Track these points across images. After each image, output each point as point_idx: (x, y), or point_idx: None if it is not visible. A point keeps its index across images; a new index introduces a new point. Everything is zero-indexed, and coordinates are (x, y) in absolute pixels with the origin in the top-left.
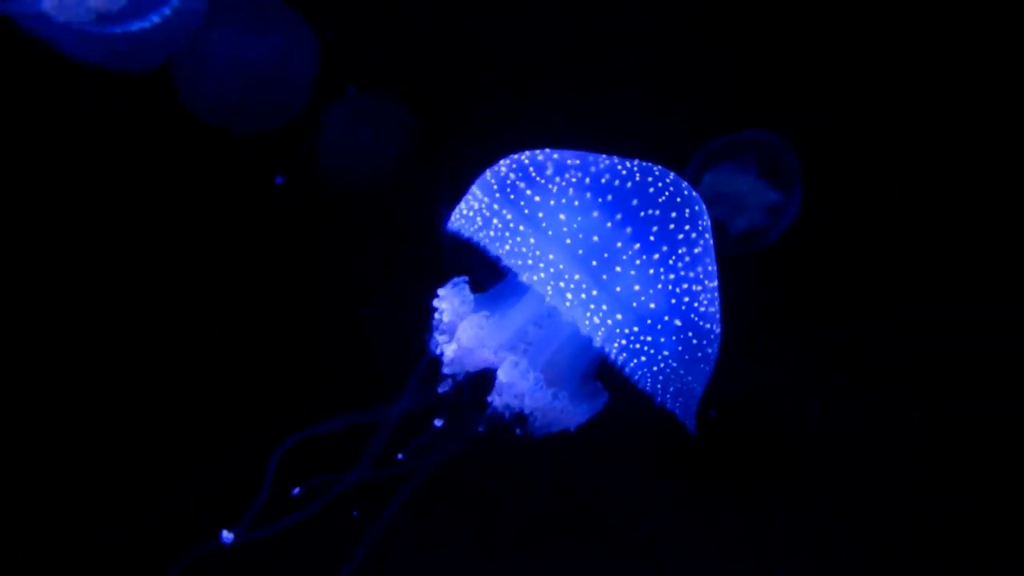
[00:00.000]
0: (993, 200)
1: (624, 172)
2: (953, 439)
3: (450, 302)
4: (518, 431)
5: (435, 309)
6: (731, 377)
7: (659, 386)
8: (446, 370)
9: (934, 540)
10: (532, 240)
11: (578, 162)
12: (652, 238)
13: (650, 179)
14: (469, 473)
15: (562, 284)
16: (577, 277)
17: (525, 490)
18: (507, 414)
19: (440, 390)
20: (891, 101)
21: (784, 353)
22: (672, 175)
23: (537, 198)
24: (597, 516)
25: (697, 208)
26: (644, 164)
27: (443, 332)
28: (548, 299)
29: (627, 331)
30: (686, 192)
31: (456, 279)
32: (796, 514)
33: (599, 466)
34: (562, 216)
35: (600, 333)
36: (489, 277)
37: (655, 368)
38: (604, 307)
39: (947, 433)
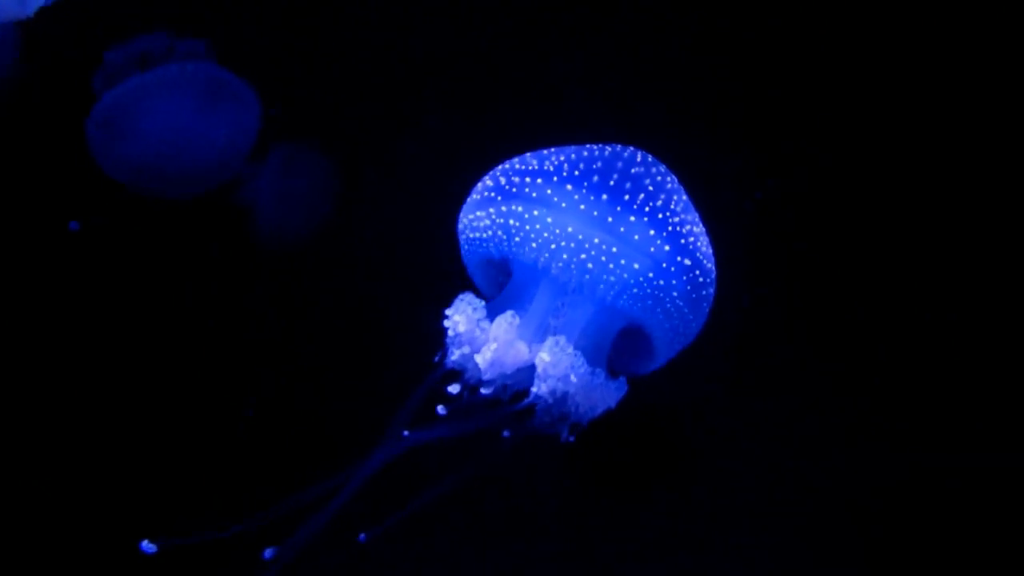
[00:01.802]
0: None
1: (595, 149)
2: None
3: (464, 314)
4: (564, 419)
5: (447, 326)
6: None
7: (669, 331)
8: (487, 374)
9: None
10: (550, 219)
11: (552, 151)
12: (651, 187)
13: (618, 149)
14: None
15: (584, 252)
16: (597, 240)
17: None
18: (552, 399)
19: (482, 392)
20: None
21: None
22: (627, 146)
23: (540, 180)
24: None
25: (665, 167)
26: (599, 144)
27: (462, 344)
28: (572, 272)
29: (647, 277)
30: (649, 156)
31: (461, 295)
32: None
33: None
34: (569, 187)
35: (624, 289)
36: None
37: (671, 312)
38: (624, 260)
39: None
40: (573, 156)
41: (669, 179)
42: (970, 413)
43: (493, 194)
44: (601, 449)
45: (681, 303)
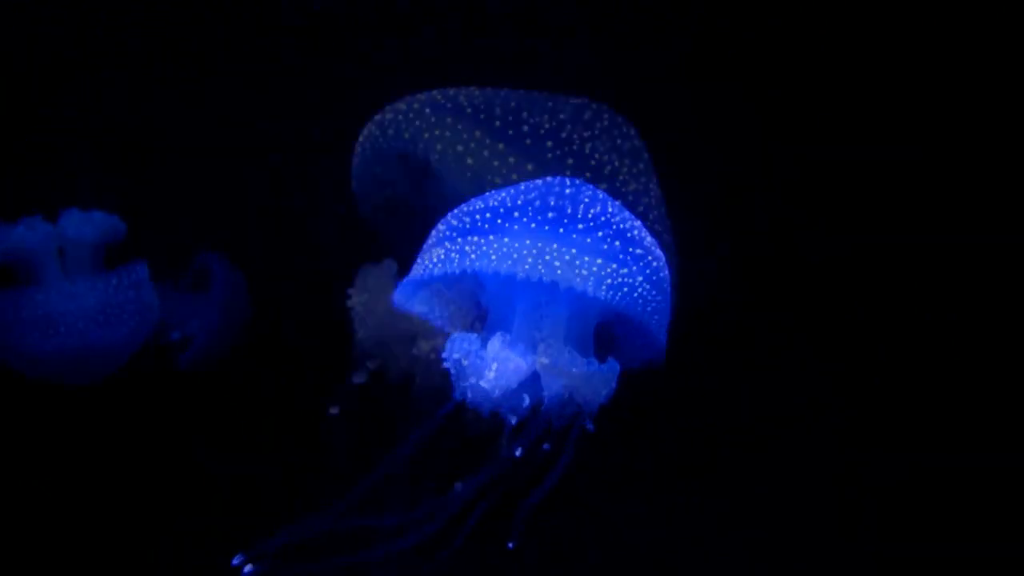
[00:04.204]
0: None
1: (529, 184)
2: None
3: (460, 348)
4: (577, 415)
5: (448, 365)
6: None
7: (641, 311)
8: (496, 393)
9: None
10: (506, 239)
11: (491, 193)
12: (587, 200)
13: (548, 180)
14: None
15: (546, 259)
16: (555, 246)
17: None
18: (562, 395)
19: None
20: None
21: None
22: (555, 177)
23: (488, 214)
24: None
25: (592, 186)
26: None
27: (469, 375)
28: (541, 278)
29: (609, 270)
30: (577, 179)
31: (452, 335)
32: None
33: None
34: (516, 214)
35: (590, 284)
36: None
37: (636, 295)
38: (586, 259)
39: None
40: (512, 191)
41: (599, 193)
42: (970, 413)
43: (449, 233)
44: (596, 451)
45: (648, 286)
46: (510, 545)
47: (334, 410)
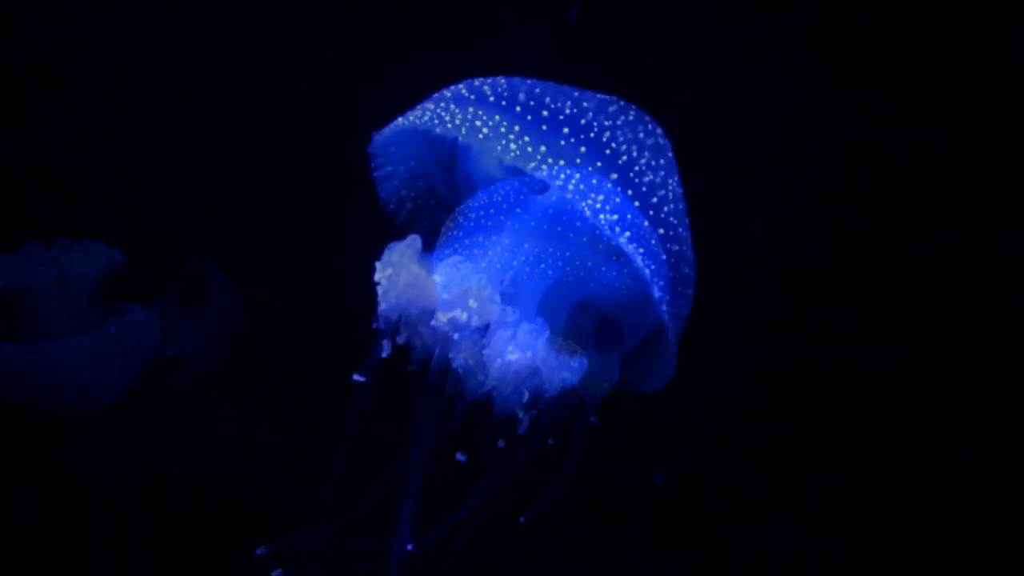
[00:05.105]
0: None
1: (532, 175)
2: None
3: (465, 346)
4: (580, 406)
5: (456, 363)
6: None
7: (637, 309)
8: (505, 389)
9: None
10: (507, 241)
11: (496, 185)
12: (582, 187)
13: (549, 172)
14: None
15: (543, 262)
16: (552, 248)
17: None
18: (562, 387)
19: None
20: None
21: None
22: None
23: (492, 209)
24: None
25: (592, 175)
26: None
27: (475, 372)
28: (538, 281)
29: (601, 271)
30: (576, 172)
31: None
32: None
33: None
34: (518, 210)
35: (586, 284)
36: None
37: (630, 294)
38: (578, 262)
39: None
40: (516, 184)
41: (598, 180)
42: (976, 415)
43: (456, 232)
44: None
45: (643, 284)
46: (522, 520)
47: (359, 377)
